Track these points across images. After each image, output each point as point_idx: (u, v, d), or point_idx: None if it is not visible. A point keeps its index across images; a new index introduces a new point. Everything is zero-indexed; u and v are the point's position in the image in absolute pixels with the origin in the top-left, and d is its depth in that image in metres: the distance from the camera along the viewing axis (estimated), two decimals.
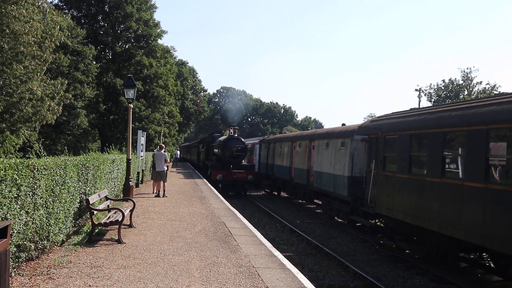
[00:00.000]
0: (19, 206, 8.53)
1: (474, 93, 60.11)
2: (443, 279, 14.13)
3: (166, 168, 24.27)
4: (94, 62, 46.32)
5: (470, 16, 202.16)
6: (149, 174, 35.86)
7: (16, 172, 8.41)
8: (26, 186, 8.85)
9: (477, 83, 61.09)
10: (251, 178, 36.98)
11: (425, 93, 63.44)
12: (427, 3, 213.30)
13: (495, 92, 56.98)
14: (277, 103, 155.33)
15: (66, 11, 46.99)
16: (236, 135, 39.19)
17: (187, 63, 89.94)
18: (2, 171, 7.81)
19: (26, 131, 27.23)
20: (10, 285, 5.70)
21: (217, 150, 40.35)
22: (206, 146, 48.86)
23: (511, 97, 11.86)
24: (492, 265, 15.92)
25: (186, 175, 43.35)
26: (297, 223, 23.93)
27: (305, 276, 9.86)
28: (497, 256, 14.44)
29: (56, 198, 10.78)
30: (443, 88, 62.92)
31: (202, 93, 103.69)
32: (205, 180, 36.35)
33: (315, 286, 9.08)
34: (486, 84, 60.39)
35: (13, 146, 25.86)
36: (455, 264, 15.86)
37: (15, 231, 8.35)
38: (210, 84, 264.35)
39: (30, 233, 9.18)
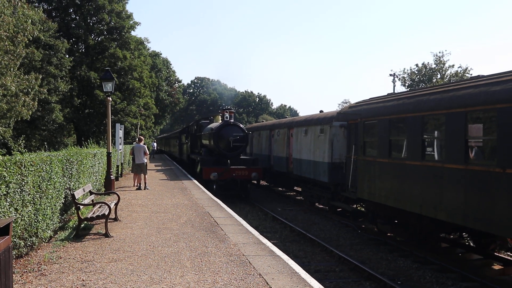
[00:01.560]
0: (8, 204, 8.50)
1: (446, 76, 60.90)
2: (425, 260, 14.45)
3: (145, 161, 24.26)
4: (67, 56, 45.90)
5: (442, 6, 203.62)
6: (128, 168, 35.77)
7: (5, 169, 8.39)
8: (14, 183, 8.83)
9: (449, 66, 61.90)
10: (255, 176, 27.73)
11: (399, 78, 64.09)
12: None
13: (468, 75, 57.76)
14: (252, 92, 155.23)
15: (37, 4, 46.29)
16: (232, 121, 29.73)
17: (161, 54, 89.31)
18: None
19: (0, 128, 26.93)
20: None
21: (207, 141, 31.19)
22: (191, 136, 38.94)
23: (487, 79, 12.13)
24: (472, 244, 16.33)
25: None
26: (278, 211, 24.15)
27: None
28: (478, 235, 14.82)
29: (43, 194, 10.76)
30: (416, 72, 63.60)
31: (177, 84, 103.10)
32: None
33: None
34: (458, 67, 61.22)
35: None
36: (437, 245, 16.23)
37: None
38: (185, 75, 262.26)
39: (19, 230, 9.16)
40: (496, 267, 14.15)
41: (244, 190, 27.85)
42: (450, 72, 61.22)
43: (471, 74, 57.44)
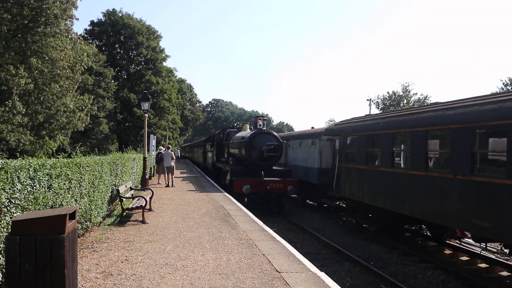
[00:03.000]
0: (70, 195, 8.70)
1: (411, 102, 60.86)
2: (393, 246, 14.52)
3: (173, 164, 24.43)
4: (113, 81, 46.49)
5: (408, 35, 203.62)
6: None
7: (68, 169, 8.59)
8: (75, 180, 9.02)
9: (413, 94, 61.94)
10: (292, 190, 20.68)
11: (374, 102, 64.21)
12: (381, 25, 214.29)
13: (428, 101, 57.77)
14: (257, 111, 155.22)
15: (91, 41, 46.95)
16: (265, 129, 22.75)
17: (186, 80, 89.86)
18: (58, 169, 7.98)
19: (61, 137, 27.28)
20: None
21: (236, 150, 24.19)
22: (217, 144, 30.81)
23: (443, 105, 12.30)
24: (429, 233, 16.44)
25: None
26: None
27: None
28: (434, 227, 14.96)
29: (96, 189, 10.94)
30: (387, 98, 63.67)
31: (198, 104, 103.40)
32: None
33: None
34: (421, 95, 61.40)
35: (51, 149, 25.95)
36: (402, 234, 16.31)
37: None
38: (204, 96, 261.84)
39: (78, 216, 9.34)
40: (447, 252, 14.23)
41: (278, 204, 21.09)
42: (414, 99, 61.23)
43: (430, 100, 57.54)
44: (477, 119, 10.40)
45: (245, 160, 22.29)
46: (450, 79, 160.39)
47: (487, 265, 12.65)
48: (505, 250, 13.05)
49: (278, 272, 7.53)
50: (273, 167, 21.78)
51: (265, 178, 20.16)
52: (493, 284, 10.58)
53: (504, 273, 11.96)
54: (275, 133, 22.38)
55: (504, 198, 9.29)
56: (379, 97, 65.48)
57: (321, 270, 7.83)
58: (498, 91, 48.52)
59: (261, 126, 22.08)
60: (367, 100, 61.53)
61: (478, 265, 12.83)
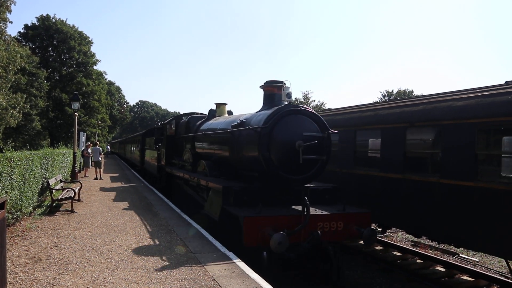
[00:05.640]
0: (0, 187, 8.17)
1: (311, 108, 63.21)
2: None
3: (101, 159, 23.77)
4: (45, 81, 43.56)
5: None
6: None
7: None
8: (5, 173, 8.48)
9: (312, 101, 64.58)
10: (367, 234, 7.37)
11: None
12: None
13: (324, 107, 60.48)
14: (179, 112, 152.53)
15: (24, 43, 43.69)
16: (301, 105, 8.51)
17: (115, 83, 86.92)
18: None
19: None
20: None
21: (214, 148, 10.97)
22: (168, 139, 16.23)
23: (334, 111, 12.99)
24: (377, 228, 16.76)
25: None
26: None
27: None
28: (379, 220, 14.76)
29: (26, 181, 10.32)
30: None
31: (125, 105, 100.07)
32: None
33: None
34: (318, 102, 64.27)
35: None
36: None
37: None
38: (131, 97, 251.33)
39: (8, 207, 8.78)
40: None
41: (332, 263, 7.66)
42: (313, 105, 63.82)
43: (326, 107, 60.31)
44: (359, 124, 11.17)
45: (253, 168, 8.74)
46: (342, 89, 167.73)
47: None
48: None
49: (193, 253, 7.62)
50: (310, 185, 8.77)
51: (314, 212, 7.66)
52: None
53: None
54: (315, 113, 8.56)
55: (378, 186, 10.06)
56: None
57: None
58: (378, 100, 52.27)
59: (287, 96, 9.00)
60: None
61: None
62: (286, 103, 8.78)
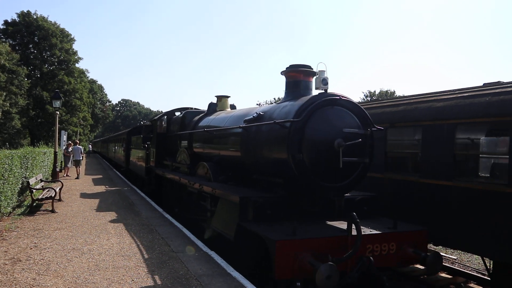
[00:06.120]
0: None
1: None
2: None
3: (81, 158, 23.60)
4: (26, 79, 42.62)
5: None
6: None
7: None
8: None
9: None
10: (434, 260, 5.65)
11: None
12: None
13: None
14: (162, 111, 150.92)
15: (4, 40, 42.86)
16: (339, 94, 6.39)
17: (97, 81, 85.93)
18: None
19: None
20: None
21: (210, 148, 9.63)
22: (158, 138, 14.02)
23: None
24: None
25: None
26: None
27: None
28: None
29: (5, 181, 10.12)
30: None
31: (108, 103, 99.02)
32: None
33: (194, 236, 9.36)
34: None
35: None
36: None
37: None
38: (114, 95, 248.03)
39: None
40: None
41: None
42: None
43: None
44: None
45: (260, 169, 7.29)
46: None
47: None
48: None
49: (175, 252, 7.61)
50: (348, 195, 6.83)
51: (366, 231, 5.76)
52: None
53: None
54: (357, 104, 6.64)
55: None
56: (266, 102, 67.74)
57: None
58: (360, 101, 52.76)
59: (323, 87, 6.56)
60: (257, 104, 63.24)
61: None
62: (322, 91, 6.64)
